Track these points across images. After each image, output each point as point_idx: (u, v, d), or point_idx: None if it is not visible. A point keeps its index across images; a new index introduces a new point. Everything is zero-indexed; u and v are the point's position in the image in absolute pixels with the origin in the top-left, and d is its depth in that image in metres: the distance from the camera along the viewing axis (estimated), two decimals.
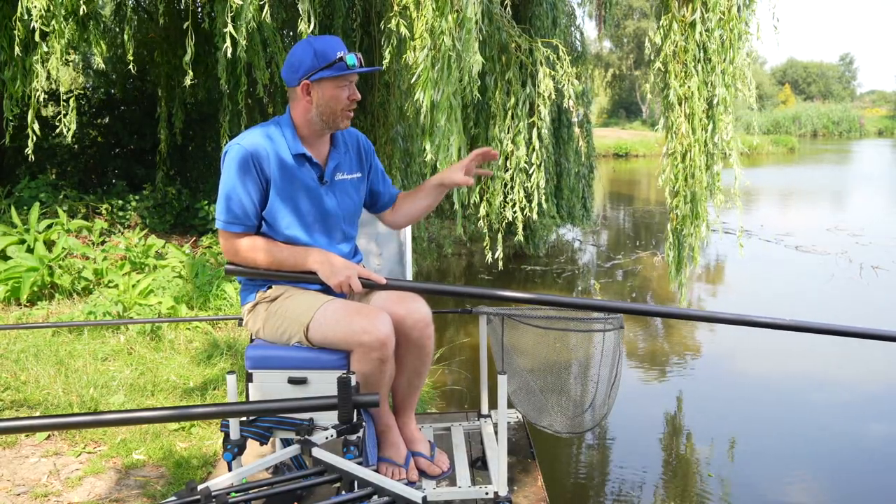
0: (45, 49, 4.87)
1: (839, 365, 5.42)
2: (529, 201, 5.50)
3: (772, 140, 29.81)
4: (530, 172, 5.44)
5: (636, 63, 39.08)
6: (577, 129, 7.91)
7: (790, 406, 4.80)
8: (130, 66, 5.69)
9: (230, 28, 4.21)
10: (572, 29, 8.26)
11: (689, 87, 4.43)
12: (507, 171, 5.49)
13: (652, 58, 4.75)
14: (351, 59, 2.08)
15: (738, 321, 2.09)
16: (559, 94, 5.36)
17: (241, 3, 4.15)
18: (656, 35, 4.65)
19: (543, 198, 5.53)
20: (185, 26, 4.90)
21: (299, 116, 2.17)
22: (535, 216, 5.60)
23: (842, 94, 54.19)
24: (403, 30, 4.80)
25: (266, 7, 4.30)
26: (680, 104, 4.50)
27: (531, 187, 5.43)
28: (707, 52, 4.44)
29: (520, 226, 5.63)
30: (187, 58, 4.80)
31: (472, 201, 5.73)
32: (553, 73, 5.23)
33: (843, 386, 5.13)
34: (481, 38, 4.24)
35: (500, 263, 5.99)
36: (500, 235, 5.85)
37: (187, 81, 4.85)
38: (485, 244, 6.02)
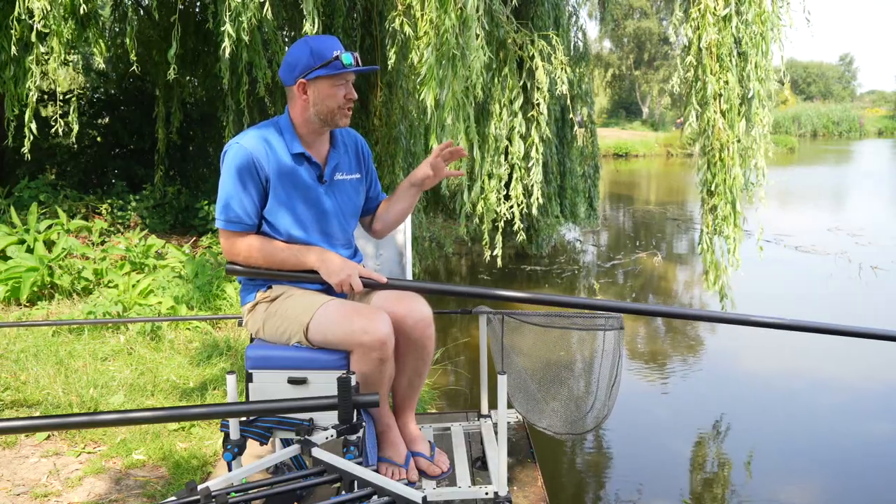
0: (44, 49, 4.87)
1: (839, 365, 5.42)
2: (528, 197, 5.47)
3: (772, 140, 29.75)
4: (528, 168, 5.43)
5: (636, 63, 39.03)
6: (579, 129, 7.89)
7: (790, 406, 4.80)
8: (134, 67, 5.69)
9: (228, 27, 4.20)
10: (574, 29, 8.25)
11: (725, 81, 4.34)
12: (503, 167, 5.47)
13: (678, 52, 4.68)
14: (347, 57, 2.08)
15: (738, 321, 2.09)
16: (559, 89, 5.34)
17: (240, 0, 4.15)
18: (686, 28, 4.55)
19: (542, 195, 5.51)
20: (172, 19, 4.89)
21: (297, 116, 2.17)
22: (534, 212, 5.59)
23: (842, 94, 54.17)
24: (407, 29, 4.79)
25: (267, 5, 4.29)
26: (715, 99, 4.42)
27: (530, 184, 5.42)
28: (741, 45, 4.37)
29: (517, 223, 5.62)
30: (172, 52, 4.79)
31: (470, 199, 5.72)
32: (550, 67, 5.22)
33: (843, 386, 5.13)
34: (483, 35, 4.23)
35: (500, 262, 5.98)
36: (499, 234, 5.83)
37: (171, 75, 4.85)
38: (484, 242, 6.00)
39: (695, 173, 4.66)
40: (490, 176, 5.53)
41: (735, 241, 4.59)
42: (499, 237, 5.75)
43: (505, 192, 5.63)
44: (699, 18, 4.40)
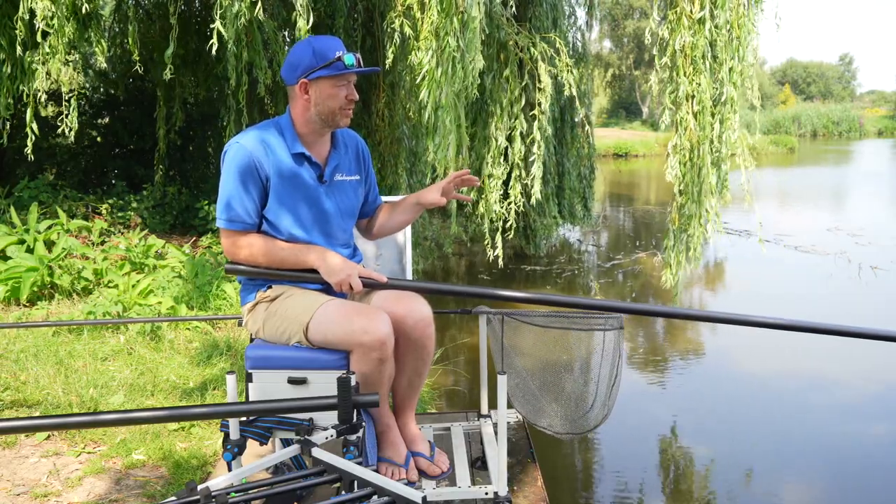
0: (47, 49, 4.87)
1: (839, 365, 5.42)
2: (528, 198, 5.49)
3: (771, 140, 29.78)
4: (528, 169, 5.45)
5: (636, 63, 39.04)
6: (579, 130, 7.90)
7: (790, 406, 4.80)
8: (137, 67, 5.71)
9: (218, 24, 4.21)
10: (573, 29, 8.26)
11: (698, 83, 4.39)
12: (502, 167, 5.49)
13: (655, 52, 4.70)
14: (349, 58, 2.09)
15: (738, 321, 2.09)
16: (558, 90, 5.37)
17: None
18: (663, 29, 4.59)
19: (541, 196, 5.54)
20: (171, 21, 4.90)
21: (298, 115, 2.17)
22: (532, 212, 5.63)
23: (841, 94, 54.17)
24: (407, 30, 4.80)
25: (259, 4, 4.30)
26: (688, 100, 4.46)
27: (530, 184, 5.43)
28: (715, 48, 4.41)
29: (513, 223, 5.65)
30: (169, 51, 4.80)
31: (480, 200, 5.75)
32: (551, 69, 5.23)
33: (843, 386, 5.13)
34: (483, 38, 4.25)
35: (501, 262, 6.00)
36: (499, 233, 5.85)
37: (167, 75, 4.86)
38: (485, 242, 6.02)
39: (667, 172, 4.67)
40: (490, 176, 5.56)
41: (697, 239, 4.62)
42: (499, 237, 5.78)
43: (503, 192, 5.66)
44: (675, 21, 4.44)
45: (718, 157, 4.56)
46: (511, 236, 6.06)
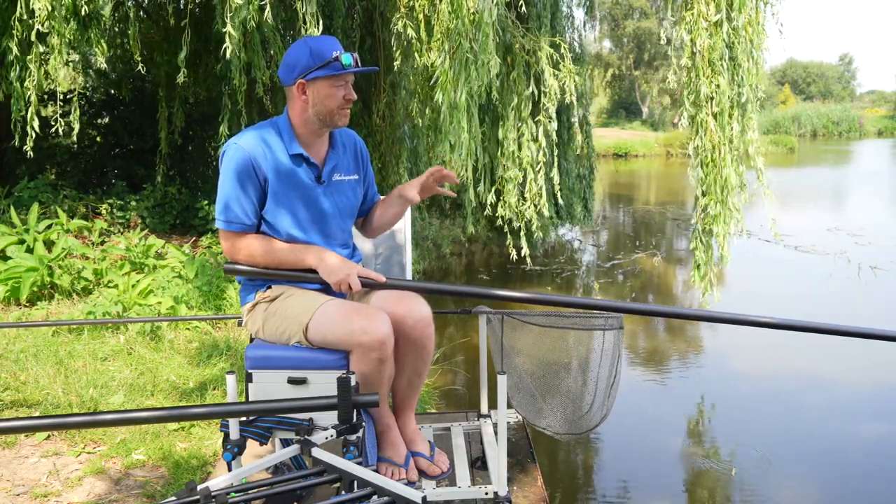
0: (46, 49, 4.88)
1: (838, 364, 5.42)
2: (548, 198, 5.56)
3: (771, 140, 29.76)
4: (538, 170, 5.50)
5: (636, 63, 39.01)
6: (577, 130, 7.91)
7: (789, 405, 4.80)
8: (140, 67, 5.72)
9: (229, 27, 4.21)
10: (570, 29, 8.26)
11: (717, 85, 4.42)
12: (508, 169, 5.53)
13: (671, 53, 4.73)
14: (346, 58, 2.08)
15: (738, 321, 2.09)
16: (562, 92, 5.40)
17: (240, 1, 4.16)
18: (679, 30, 4.61)
19: (552, 196, 5.59)
20: (182, 24, 4.90)
21: (296, 116, 2.17)
22: (539, 214, 5.69)
23: (841, 94, 54.15)
24: (409, 31, 4.81)
25: (267, 7, 4.30)
26: (708, 102, 4.48)
27: (539, 185, 5.49)
28: (732, 50, 4.44)
29: (512, 223, 5.70)
30: (182, 55, 4.81)
31: (484, 200, 5.80)
32: (556, 72, 5.26)
33: (842, 385, 5.13)
34: (498, 41, 4.27)
35: (529, 261, 6.14)
36: (522, 233, 5.94)
37: (180, 79, 4.87)
38: (507, 243, 6.13)
39: (690, 173, 4.72)
40: (508, 180, 5.63)
41: (724, 238, 4.66)
42: (523, 236, 5.88)
43: (521, 195, 5.73)
44: (692, 22, 4.46)
45: (738, 157, 4.60)
46: (535, 235, 6.15)
